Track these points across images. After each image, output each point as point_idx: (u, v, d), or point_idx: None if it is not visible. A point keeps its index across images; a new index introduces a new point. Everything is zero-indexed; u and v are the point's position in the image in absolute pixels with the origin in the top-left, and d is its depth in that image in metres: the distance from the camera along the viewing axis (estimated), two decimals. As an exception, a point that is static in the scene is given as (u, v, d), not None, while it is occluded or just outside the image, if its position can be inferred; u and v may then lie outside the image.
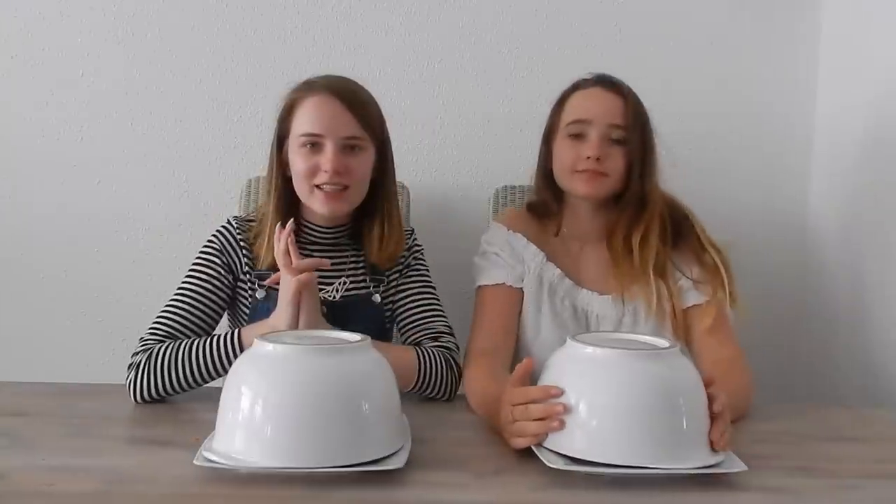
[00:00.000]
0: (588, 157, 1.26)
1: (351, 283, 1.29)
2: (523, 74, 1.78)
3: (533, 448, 0.94)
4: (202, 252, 1.27)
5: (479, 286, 1.35)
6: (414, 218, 1.67)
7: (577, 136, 1.28)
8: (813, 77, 1.80)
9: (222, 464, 0.87)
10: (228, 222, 1.29)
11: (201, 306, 1.23)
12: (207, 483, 0.87)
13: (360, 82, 1.27)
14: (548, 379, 0.97)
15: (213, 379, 1.17)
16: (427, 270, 1.36)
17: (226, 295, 1.26)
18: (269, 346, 0.92)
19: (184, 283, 1.25)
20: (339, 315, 1.24)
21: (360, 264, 1.32)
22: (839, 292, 1.70)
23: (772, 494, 0.89)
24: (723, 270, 1.28)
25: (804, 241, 1.83)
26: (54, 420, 1.09)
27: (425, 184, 1.77)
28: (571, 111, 1.31)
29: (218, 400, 0.93)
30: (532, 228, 1.38)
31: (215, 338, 1.17)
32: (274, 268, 1.20)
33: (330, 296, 1.27)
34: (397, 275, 1.33)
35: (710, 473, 0.89)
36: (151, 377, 1.15)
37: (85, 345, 1.80)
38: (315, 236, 1.30)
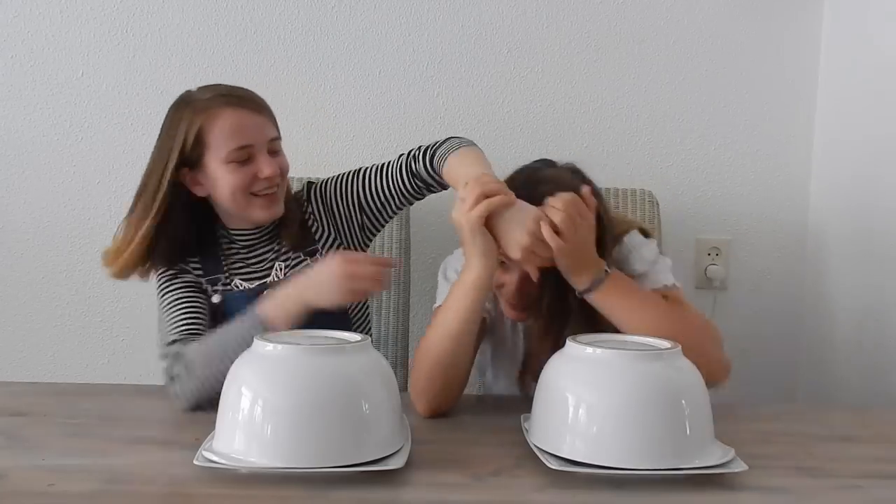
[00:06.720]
0: None
1: (286, 266, 1.30)
2: (523, 74, 1.78)
3: (534, 449, 0.94)
4: (160, 274, 1.26)
5: (437, 307, 1.25)
6: (413, 219, 1.67)
7: None
8: (813, 77, 1.80)
9: (222, 464, 0.87)
10: None
11: (199, 304, 1.22)
12: (207, 483, 0.87)
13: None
14: (547, 381, 0.97)
15: None
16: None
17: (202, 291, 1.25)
18: (269, 346, 0.92)
19: (168, 293, 1.23)
20: None
21: (284, 250, 1.32)
22: (839, 292, 1.70)
23: (772, 494, 0.88)
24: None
25: (804, 241, 1.83)
26: (54, 420, 1.09)
27: (425, 184, 1.76)
28: None
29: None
30: None
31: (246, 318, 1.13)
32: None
33: (277, 277, 1.28)
34: (320, 231, 1.33)
35: (710, 473, 0.89)
36: (199, 381, 1.10)
37: (85, 345, 1.80)
38: (242, 240, 1.29)
